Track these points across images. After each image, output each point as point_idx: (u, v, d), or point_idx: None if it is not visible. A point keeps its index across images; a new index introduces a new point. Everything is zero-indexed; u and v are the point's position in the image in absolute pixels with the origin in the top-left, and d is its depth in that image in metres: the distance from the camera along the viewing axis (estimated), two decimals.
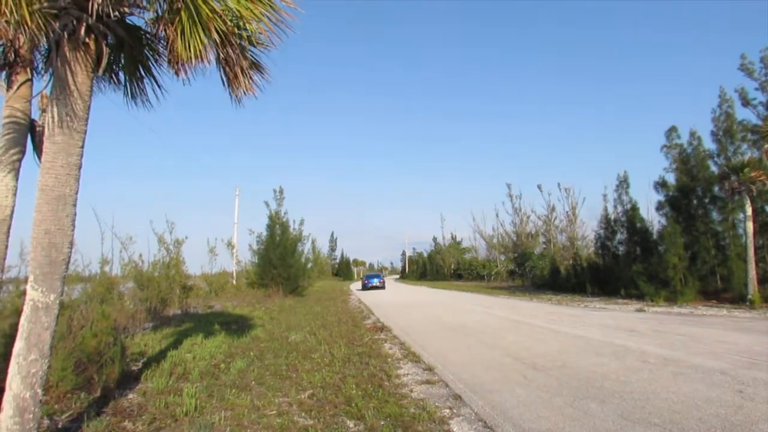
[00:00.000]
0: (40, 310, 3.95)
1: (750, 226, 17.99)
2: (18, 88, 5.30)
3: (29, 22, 3.64)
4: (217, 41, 4.32)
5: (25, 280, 4.55)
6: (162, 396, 6.15)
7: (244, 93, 5.14)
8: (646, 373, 7.21)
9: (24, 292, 4.32)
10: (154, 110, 5.70)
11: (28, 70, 5.44)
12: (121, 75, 5.66)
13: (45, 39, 4.14)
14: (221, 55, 4.66)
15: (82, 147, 4.38)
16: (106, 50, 4.63)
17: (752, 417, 5.07)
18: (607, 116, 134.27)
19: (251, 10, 4.30)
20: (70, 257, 4.29)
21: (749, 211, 18.05)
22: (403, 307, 22.12)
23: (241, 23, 4.58)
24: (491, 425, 5.13)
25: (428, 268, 79.73)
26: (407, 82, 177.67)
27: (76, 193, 4.32)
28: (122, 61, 5.44)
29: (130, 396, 6.27)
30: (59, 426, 5.00)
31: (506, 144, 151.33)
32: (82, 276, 12.69)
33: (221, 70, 5.05)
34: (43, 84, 5.30)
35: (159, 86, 5.55)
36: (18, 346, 3.90)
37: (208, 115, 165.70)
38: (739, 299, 18.26)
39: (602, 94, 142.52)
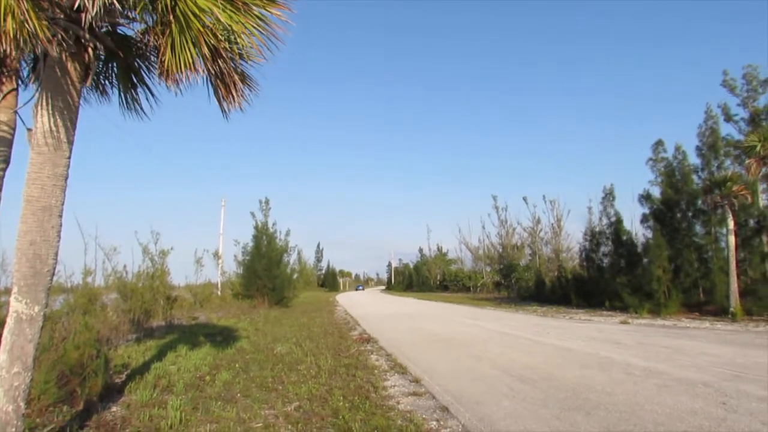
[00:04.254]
0: (24, 322, 3.91)
1: (732, 239, 18.23)
2: (3, 97, 5.26)
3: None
4: (207, 55, 4.32)
5: (8, 291, 4.49)
6: (146, 409, 6.07)
7: (234, 107, 5.15)
8: (631, 385, 7.27)
9: (7, 304, 4.27)
10: (149, 120, 5.68)
11: (14, 79, 5.40)
12: (109, 86, 5.66)
13: (33, 49, 4.12)
14: (211, 68, 4.67)
15: (69, 158, 4.36)
16: (94, 61, 4.63)
17: (735, 429, 5.13)
18: (591, 129, 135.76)
19: (242, 24, 4.31)
20: (55, 268, 4.25)
21: (731, 224, 18.30)
22: (389, 318, 22.07)
23: (231, 37, 4.59)
24: None
25: (414, 280, 79.71)
26: (393, 95, 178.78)
27: (62, 204, 4.30)
28: (114, 71, 5.43)
29: (114, 409, 6.18)
30: None
31: (492, 156, 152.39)
32: (64, 287, 12.56)
33: (210, 83, 5.06)
34: (29, 94, 5.27)
35: (153, 95, 5.54)
36: (1, 358, 3.85)
37: (193, 124, 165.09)
38: (722, 312, 18.49)
39: (587, 107, 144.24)
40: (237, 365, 9.12)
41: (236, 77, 4.98)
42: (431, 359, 10.13)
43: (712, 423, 5.35)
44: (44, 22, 3.70)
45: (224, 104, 5.16)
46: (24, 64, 5.53)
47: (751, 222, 21.00)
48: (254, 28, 4.43)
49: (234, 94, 5.05)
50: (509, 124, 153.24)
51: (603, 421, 5.50)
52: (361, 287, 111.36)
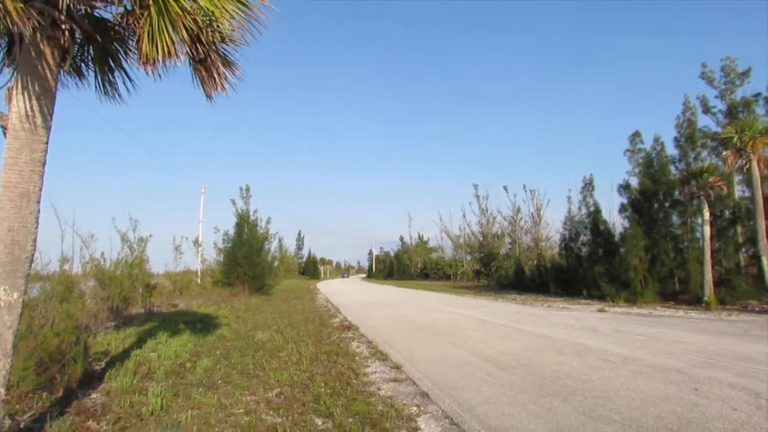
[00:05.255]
0: (3, 308, 3.87)
1: (707, 230, 18.58)
2: None
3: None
4: (187, 39, 4.28)
5: None
6: (126, 395, 6.06)
7: (216, 91, 5.11)
8: (607, 371, 7.42)
9: None
10: (126, 104, 5.61)
11: None
12: (86, 69, 5.56)
13: (8, 31, 4.06)
14: (192, 53, 4.62)
15: (47, 143, 4.30)
16: (72, 44, 4.55)
17: (707, 414, 5.28)
18: (572, 119, 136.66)
19: (224, 9, 4.27)
20: (33, 255, 4.21)
21: (707, 215, 18.64)
22: (370, 305, 22.15)
23: (213, 21, 4.55)
24: (458, 422, 5.22)
25: (395, 268, 79.90)
26: (377, 83, 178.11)
27: (40, 190, 4.25)
28: (90, 54, 5.34)
29: (94, 396, 6.16)
30: (21, 426, 4.88)
31: (474, 145, 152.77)
32: (41, 274, 12.36)
33: (192, 67, 5.01)
34: (5, 77, 5.16)
35: (130, 80, 5.47)
36: None
37: (173, 110, 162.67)
38: (696, 301, 18.86)
39: (569, 97, 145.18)
40: (218, 352, 9.12)
41: (218, 61, 4.95)
42: (411, 346, 10.21)
43: (684, 408, 5.49)
44: (19, 4, 3.63)
45: (206, 88, 5.12)
46: None
47: (727, 213, 21.43)
48: (235, 12, 4.40)
49: (216, 78, 5.01)
50: (491, 114, 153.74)
51: (579, 406, 5.62)
52: (346, 275, 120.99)
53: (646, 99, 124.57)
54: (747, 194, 21.10)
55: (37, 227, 4.21)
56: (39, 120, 4.18)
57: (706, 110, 23.79)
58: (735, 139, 17.46)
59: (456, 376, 7.35)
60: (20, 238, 4.02)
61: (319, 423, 5.17)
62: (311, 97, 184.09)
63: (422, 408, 5.76)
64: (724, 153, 18.14)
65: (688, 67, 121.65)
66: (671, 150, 23.61)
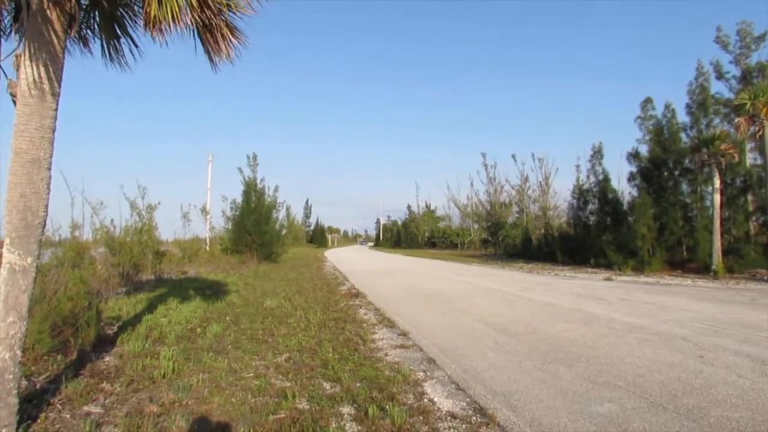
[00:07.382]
0: (18, 272, 3.93)
1: (717, 198, 18.44)
2: None
3: None
4: (194, 4, 4.22)
5: (0, 243, 4.50)
6: (139, 359, 6.18)
7: (222, 58, 5.06)
8: (613, 339, 7.48)
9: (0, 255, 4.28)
10: (131, 71, 5.57)
11: None
12: (92, 36, 5.51)
13: None
14: (198, 18, 4.56)
15: (56, 109, 4.29)
16: (78, 10, 4.51)
17: (711, 381, 5.33)
18: (582, 87, 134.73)
19: None
20: (45, 221, 4.25)
21: (717, 183, 18.47)
22: (377, 274, 22.29)
23: None
24: (463, 387, 5.30)
25: (402, 236, 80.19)
26: (387, 51, 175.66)
27: (51, 157, 4.25)
28: (96, 21, 5.29)
29: (107, 359, 6.29)
30: (37, 387, 5.01)
31: (482, 113, 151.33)
32: (52, 241, 12.49)
33: (198, 33, 4.95)
34: (12, 44, 5.13)
35: (136, 46, 5.42)
36: None
37: (180, 78, 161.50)
38: (704, 269, 18.86)
39: (578, 65, 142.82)
40: (227, 318, 9.25)
41: (225, 28, 4.88)
42: (419, 313, 10.31)
43: (689, 375, 5.54)
44: None
45: (213, 56, 5.07)
46: (5, 14, 5.38)
47: (738, 181, 21.21)
48: None
49: (223, 45, 4.95)
50: (500, 81, 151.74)
51: (585, 372, 5.69)
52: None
53: (659, 66, 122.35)
54: (759, 162, 20.85)
55: (48, 193, 4.23)
56: (48, 86, 4.16)
57: (720, 76, 23.29)
58: (748, 106, 17.09)
59: (462, 343, 7.43)
60: (32, 204, 4.05)
61: (327, 387, 5.26)
62: (317, 65, 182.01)
63: (429, 374, 5.84)
64: (736, 120, 17.79)
65: (702, 33, 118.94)
66: (683, 117, 23.29)
